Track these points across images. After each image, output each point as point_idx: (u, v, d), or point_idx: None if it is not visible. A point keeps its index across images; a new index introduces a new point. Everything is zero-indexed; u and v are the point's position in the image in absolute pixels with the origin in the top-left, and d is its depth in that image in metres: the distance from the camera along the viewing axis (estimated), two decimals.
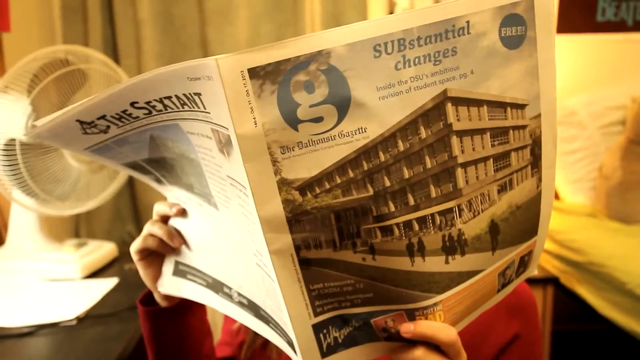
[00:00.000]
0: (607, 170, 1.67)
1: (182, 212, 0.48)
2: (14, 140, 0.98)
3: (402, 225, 0.35)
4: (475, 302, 0.40)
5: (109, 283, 1.07)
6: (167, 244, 0.50)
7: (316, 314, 0.36)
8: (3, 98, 0.99)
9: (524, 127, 0.37)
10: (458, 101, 0.33)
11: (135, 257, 0.53)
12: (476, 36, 0.32)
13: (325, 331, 0.37)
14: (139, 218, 1.61)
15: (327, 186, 0.33)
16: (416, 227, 0.35)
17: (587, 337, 1.83)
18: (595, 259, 1.43)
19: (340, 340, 0.38)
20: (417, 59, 0.31)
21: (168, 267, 0.53)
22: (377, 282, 0.36)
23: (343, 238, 0.35)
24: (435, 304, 0.36)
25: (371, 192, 0.33)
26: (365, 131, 0.31)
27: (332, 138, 0.31)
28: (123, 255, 1.23)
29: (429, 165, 0.34)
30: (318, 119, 0.30)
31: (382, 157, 0.33)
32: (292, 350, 0.37)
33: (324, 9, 1.64)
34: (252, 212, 0.31)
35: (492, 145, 0.36)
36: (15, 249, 1.13)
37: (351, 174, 0.32)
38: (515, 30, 0.34)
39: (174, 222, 0.50)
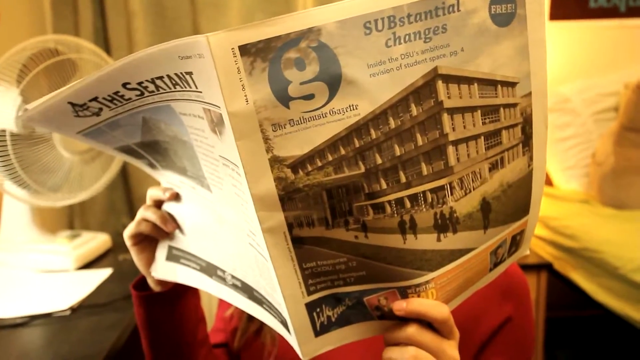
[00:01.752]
0: (600, 156, 1.68)
1: (176, 197, 0.48)
2: (4, 131, 0.98)
3: (393, 202, 0.35)
4: (467, 280, 0.40)
5: (103, 274, 1.07)
6: (161, 228, 0.50)
7: (309, 293, 0.36)
8: None
9: (514, 105, 0.37)
10: (449, 79, 0.33)
11: (128, 242, 0.54)
12: (466, 13, 0.32)
13: (318, 310, 0.37)
14: (133, 210, 1.59)
15: (319, 164, 0.33)
16: (408, 204, 0.35)
17: (582, 323, 1.88)
18: (589, 245, 1.45)
19: (333, 320, 0.38)
20: (407, 36, 0.31)
21: (161, 252, 0.53)
22: (369, 259, 0.36)
23: (335, 216, 0.35)
24: (427, 282, 0.36)
25: (363, 169, 0.33)
26: (356, 108, 0.31)
27: (324, 115, 0.31)
28: (117, 246, 1.23)
29: (420, 142, 0.34)
30: (309, 96, 0.30)
31: (374, 135, 0.33)
32: (286, 330, 0.37)
33: (316, 0, 1.61)
34: (245, 190, 0.32)
35: (483, 123, 0.36)
36: (8, 241, 1.12)
37: (343, 152, 0.33)
38: (505, 7, 0.34)
39: (168, 206, 0.50)
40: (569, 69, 1.72)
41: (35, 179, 1.02)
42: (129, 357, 0.88)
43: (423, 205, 0.36)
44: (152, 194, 0.51)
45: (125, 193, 1.65)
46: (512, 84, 0.36)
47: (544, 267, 1.44)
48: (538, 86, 0.37)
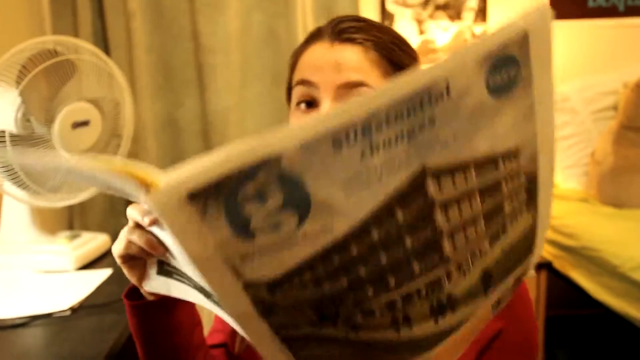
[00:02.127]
0: (600, 155, 1.68)
1: (156, 222, 0.45)
2: (3, 132, 0.98)
3: (384, 306, 0.32)
4: (469, 335, 0.40)
5: (102, 274, 1.06)
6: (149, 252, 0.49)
7: None
8: None
9: (517, 172, 0.34)
10: (440, 173, 0.29)
11: (118, 260, 0.52)
12: (458, 97, 0.27)
13: None
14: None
15: (297, 282, 0.30)
16: (399, 304, 0.33)
17: (582, 322, 1.86)
18: (589, 244, 1.45)
19: None
20: (387, 142, 0.27)
21: (153, 267, 0.52)
22: (363, 349, 0.35)
23: (322, 320, 0.32)
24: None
25: (345, 284, 0.30)
26: (332, 228, 0.28)
27: (295, 242, 0.28)
28: None
29: (409, 245, 0.31)
30: (276, 227, 0.27)
31: (354, 251, 0.30)
32: None
33: (315, 0, 1.65)
34: (223, 309, 0.30)
35: (482, 202, 0.32)
36: (7, 242, 1.12)
37: (320, 269, 0.30)
38: (506, 75, 0.29)
39: (154, 228, 0.48)
40: (568, 68, 1.74)
41: (34, 180, 1.03)
42: (129, 357, 0.83)
43: (417, 301, 0.33)
44: (132, 215, 0.47)
45: None
46: (516, 153, 0.32)
47: (544, 266, 1.45)
48: (545, 142, 0.33)
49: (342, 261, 0.29)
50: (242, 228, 0.26)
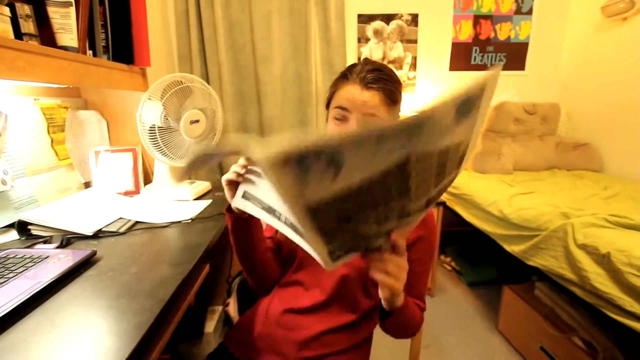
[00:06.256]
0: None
1: (247, 171, 0.57)
2: (154, 125, 1.22)
3: (373, 217, 0.42)
4: (412, 227, 0.51)
5: (206, 202, 1.29)
6: (240, 175, 0.61)
7: (328, 245, 0.43)
8: (148, 102, 1.21)
9: (458, 151, 0.43)
10: (417, 157, 0.38)
11: (224, 183, 0.65)
12: (439, 120, 0.36)
13: (333, 252, 0.45)
14: (222, 170, 2.26)
15: (331, 202, 0.37)
16: (382, 217, 0.43)
17: (460, 233, 2.44)
18: (466, 192, 1.89)
19: (341, 255, 0.46)
20: (392, 137, 0.35)
21: (239, 192, 0.61)
22: (359, 231, 0.44)
23: (341, 221, 0.40)
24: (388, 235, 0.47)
25: (355, 205, 0.39)
26: (351, 180, 0.36)
27: (331, 184, 0.35)
28: (214, 188, 1.52)
29: (393, 191, 0.40)
30: (323, 174, 0.34)
31: (362, 190, 0.37)
32: (317, 254, 0.44)
33: (322, 56, 2.19)
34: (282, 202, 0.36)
35: (436, 167, 0.41)
36: (157, 185, 1.40)
37: (344, 197, 0.37)
38: (467, 107, 0.39)
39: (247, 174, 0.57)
40: None
41: (170, 151, 1.27)
42: (221, 244, 1.07)
43: (392, 214, 0.43)
44: (234, 168, 0.62)
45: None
46: (459, 144, 0.42)
47: (441, 204, 1.84)
48: (474, 136, 0.43)
49: (355, 194, 0.37)
50: (301, 176, 0.33)
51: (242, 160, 0.62)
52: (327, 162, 0.33)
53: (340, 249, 0.45)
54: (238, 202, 0.61)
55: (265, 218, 0.51)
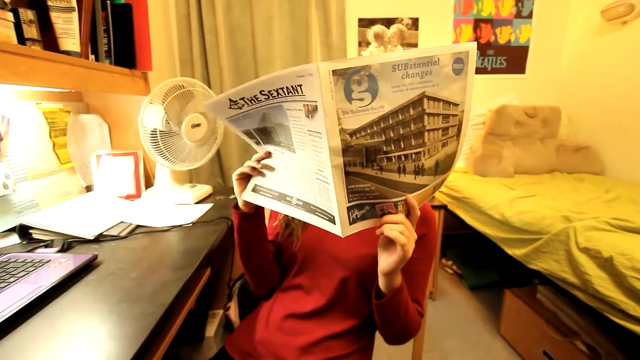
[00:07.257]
0: (474, 148, 2.19)
1: (260, 170, 0.61)
2: (156, 129, 1.22)
3: (395, 157, 0.47)
4: (425, 198, 0.55)
5: (207, 206, 1.30)
6: (254, 169, 0.64)
7: (349, 201, 0.48)
8: (150, 106, 1.21)
9: (456, 115, 0.50)
10: (429, 98, 0.46)
11: (235, 177, 0.68)
12: (442, 66, 0.46)
13: (352, 211, 0.49)
14: (223, 174, 2.25)
15: (363, 134, 0.44)
16: (403, 159, 0.48)
17: (461, 237, 2.46)
18: (466, 195, 1.88)
19: (359, 217, 0.50)
20: (412, 74, 0.44)
21: (250, 186, 0.65)
22: (381, 185, 0.49)
23: (367, 161, 0.46)
24: (406, 198, 0.52)
25: (383, 138, 0.45)
26: (383, 107, 0.43)
27: (367, 109, 0.42)
28: (215, 192, 1.51)
29: (412, 128, 0.46)
30: (361, 99, 0.42)
31: (390, 121, 0.44)
32: (332, 223, 0.49)
33: (323, 59, 2.18)
34: (324, 146, 0.43)
35: (443, 122, 0.49)
36: (158, 188, 1.39)
37: (374, 129, 0.44)
38: (459, 65, 0.47)
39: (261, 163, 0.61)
40: None
41: (172, 155, 1.26)
42: (222, 248, 1.12)
43: (410, 160, 0.48)
44: (249, 163, 0.64)
45: (219, 164, 2.22)
46: (456, 104, 0.50)
47: (442, 207, 1.77)
48: (467, 107, 0.50)
49: (383, 126, 0.44)
50: (348, 95, 0.40)
51: (258, 155, 0.64)
52: (367, 85, 0.41)
53: (359, 209, 0.50)
54: (247, 196, 0.65)
55: (276, 206, 0.56)
